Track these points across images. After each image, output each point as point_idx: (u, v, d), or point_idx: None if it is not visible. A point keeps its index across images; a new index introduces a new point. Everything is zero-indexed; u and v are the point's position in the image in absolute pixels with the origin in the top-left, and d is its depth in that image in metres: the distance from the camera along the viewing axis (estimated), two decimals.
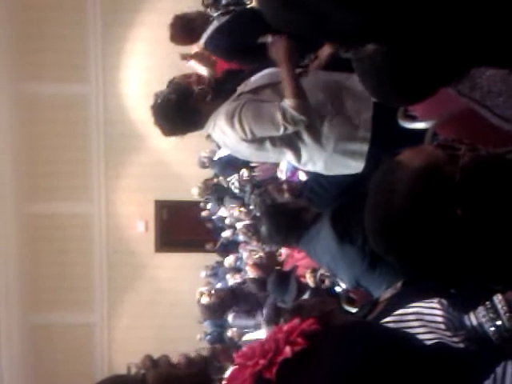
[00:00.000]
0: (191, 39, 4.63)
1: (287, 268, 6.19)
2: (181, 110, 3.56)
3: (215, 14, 7.39)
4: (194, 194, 11.00)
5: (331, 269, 3.90)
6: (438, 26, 1.47)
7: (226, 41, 4.43)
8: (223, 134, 3.56)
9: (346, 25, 1.40)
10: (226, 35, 4.36)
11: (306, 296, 5.22)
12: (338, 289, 4.42)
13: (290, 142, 3.55)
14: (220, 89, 3.82)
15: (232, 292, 7.99)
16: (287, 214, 3.70)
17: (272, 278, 6.08)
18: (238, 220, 8.75)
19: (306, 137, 3.51)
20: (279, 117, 3.39)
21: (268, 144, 3.56)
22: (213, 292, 7.41)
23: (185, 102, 3.57)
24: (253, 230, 7.47)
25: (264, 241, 5.87)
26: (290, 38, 3.49)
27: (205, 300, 7.28)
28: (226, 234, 10.07)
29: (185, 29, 4.58)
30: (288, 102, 3.39)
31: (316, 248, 3.59)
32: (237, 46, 4.35)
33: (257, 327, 7.40)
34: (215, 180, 10.81)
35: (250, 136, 3.48)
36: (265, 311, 6.79)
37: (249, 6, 5.48)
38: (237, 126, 3.46)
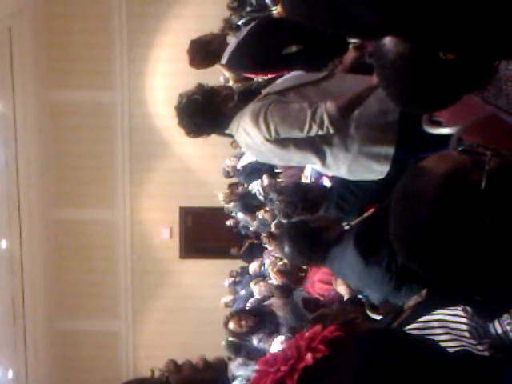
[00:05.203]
0: (210, 62, 4.64)
1: (311, 275, 6.15)
2: (205, 110, 3.55)
3: (240, 22, 7.45)
4: (219, 198, 10.92)
5: (359, 287, 3.88)
6: (459, 29, 1.45)
7: (247, 56, 4.43)
8: (247, 134, 3.52)
9: (364, 20, 1.39)
10: (246, 50, 4.36)
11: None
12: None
13: (314, 145, 3.51)
14: (245, 92, 3.82)
15: (257, 314, 7.90)
16: (308, 235, 3.63)
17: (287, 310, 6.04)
18: (263, 222, 8.67)
19: (333, 138, 3.47)
20: (308, 114, 3.32)
21: (292, 146, 3.51)
22: (243, 322, 7.28)
23: (209, 103, 3.55)
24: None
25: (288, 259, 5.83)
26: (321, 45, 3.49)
27: (232, 326, 7.17)
28: (253, 227, 9.78)
29: (202, 52, 4.59)
30: (329, 105, 3.31)
31: (341, 267, 3.55)
32: (259, 58, 4.35)
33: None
34: (240, 188, 10.77)
35: (274, 135, 3.43)
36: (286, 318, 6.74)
37: (265, 17, 5.49)
38: (262, 124, 3.42)
